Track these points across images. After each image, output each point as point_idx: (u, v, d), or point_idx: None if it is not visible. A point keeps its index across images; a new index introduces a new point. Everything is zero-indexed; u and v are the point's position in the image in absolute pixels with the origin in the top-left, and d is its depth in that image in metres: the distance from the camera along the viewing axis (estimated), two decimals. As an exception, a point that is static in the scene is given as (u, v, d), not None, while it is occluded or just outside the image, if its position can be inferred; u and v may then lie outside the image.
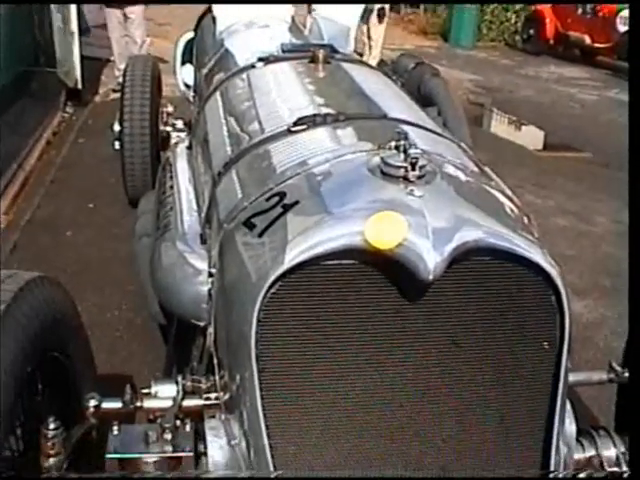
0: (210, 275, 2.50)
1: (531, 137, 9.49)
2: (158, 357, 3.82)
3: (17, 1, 2.95)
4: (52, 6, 9.36)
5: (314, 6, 5.61)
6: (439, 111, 4.34)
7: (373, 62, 7.11)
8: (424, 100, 4.15)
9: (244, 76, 3.65)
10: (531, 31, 18.26)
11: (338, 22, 5.21)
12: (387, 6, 10.05)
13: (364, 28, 9.94)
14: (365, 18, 9.70)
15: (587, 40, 16.75)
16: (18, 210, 6.23)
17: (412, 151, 2.05)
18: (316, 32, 4.94)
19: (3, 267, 4.81)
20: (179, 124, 5.45)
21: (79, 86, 9.39)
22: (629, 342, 2.70)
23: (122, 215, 5.73)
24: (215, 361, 2.42)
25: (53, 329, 2.31)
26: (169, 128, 5.50)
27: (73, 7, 9.21)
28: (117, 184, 5.96)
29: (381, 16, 9.91)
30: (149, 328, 4.14)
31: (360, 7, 8.13)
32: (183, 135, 5.09)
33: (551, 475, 2.13)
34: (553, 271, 2.03)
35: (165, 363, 3.30)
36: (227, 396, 2.25)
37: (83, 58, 9.53)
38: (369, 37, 10.14)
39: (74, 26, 9.25)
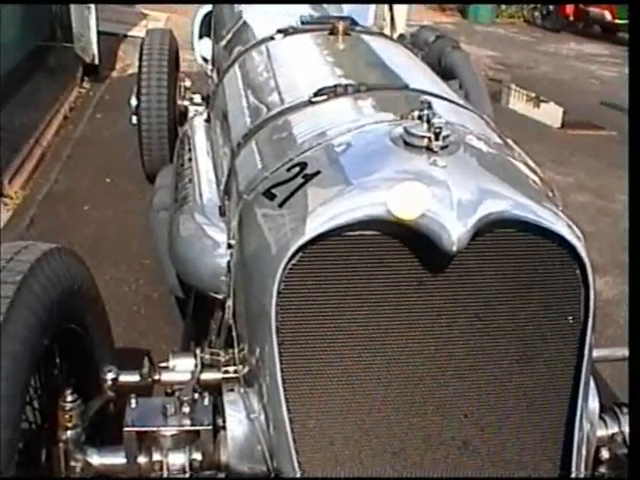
0: (229, 247, 2.48)
1: (550, 114, 9.41)
2: (176, 331, 3.81)
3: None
4: (69, -19, 9.33)
5: None
6: (460, 84, 4.29)
7: (394, 36, 7.04)
8: (445, 73, 4.10)
9: (263, 48, 3.61)
10: (550, 7, 18.11)
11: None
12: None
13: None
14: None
15: (608, 16, 16.61)
16: (35, 185, 6.23)
17: (436, 121, 2.02)
18: (335, 5, 4.89)
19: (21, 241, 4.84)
20: (197, 98, 5.43)
21: (96, 61, 9.36)
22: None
23: (139, 189, 5.71)
24: (234, 334, 2.40)
25: (70, 301, 2.28)
26: (187, 102, 5.48)
27: (90, -18, 9.19)
28: (134, 159, 5.94)
29: (404, -11, 9.80)
30: (166, 302, 4.13)
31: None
32: (201, 109, 5.06)
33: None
34: (578, 244, 2.00)
35: (183, 337, 3.28)
36: (246, 369, 2.23)
37: (100, 33, 9.50)
38: (391, 10, 10.02)
39: (92, 0, 9.23)
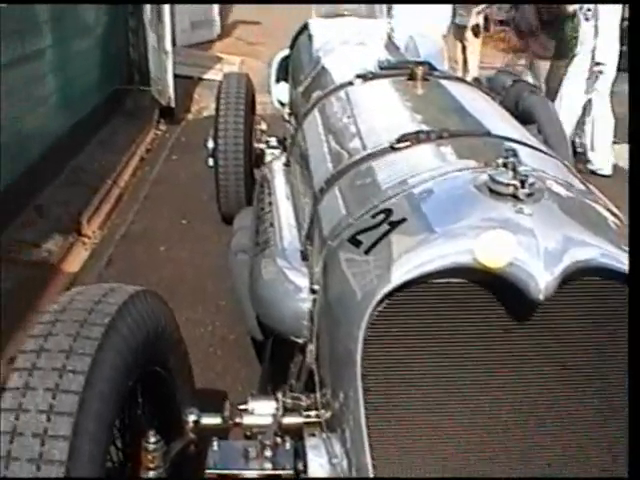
0: (312, 292, 2.49)
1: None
2: (252, 373, 3.83)
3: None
4: (147, 25, 9.51)
5: (395, 22, 5.61)
6: (539, 129, 4.27)
7: (468, 79, 7.04)
8: (523, 117, 4.08)
9: (342, 93, 3.64)
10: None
11: (432, 39, 5.19)
12: (482, 21, 9.93)
13: (459, 45, 9.84)
14: (459, 34, 9.61)
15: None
16: (112, 225, 6.32)
17: (521, 168, 2.02)
18: (412, 49, 4.91)
19: (100, 281, 4.91)
20: (273, 141, 5.48)
21: (172, 104, 9.50)
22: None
23: (215, 231, 5.76)
24: (317, 379, 2.41)
25: (155, 343, 2.31)
26: (263, 145, 5.53)
27: (167, 27, 9.34)
28: (210, 201, 6.00)
29: (477, 32, 9.79)
30: (242, 344, 4.15)
31: (445, 23, 8.12)
32: (277, 152, 5.11)
33: None
34: None
35: (260, 379, 3.29)
36: (329, 414, 2.24)
37: (176, 77, 9.65)
38: (464, 54, 10.02)
39: (168, 45, 9.37)
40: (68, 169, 6.94)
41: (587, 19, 7.55)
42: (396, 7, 6.14)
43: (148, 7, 9.41)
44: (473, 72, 9.81)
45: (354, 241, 2.24)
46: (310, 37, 4.98)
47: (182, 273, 5.24)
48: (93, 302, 2.16)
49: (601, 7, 7.41)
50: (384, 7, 5.92)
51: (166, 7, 9.25)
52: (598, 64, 7.59)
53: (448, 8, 8.37)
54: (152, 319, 2.31)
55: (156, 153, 8.32)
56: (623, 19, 7.54)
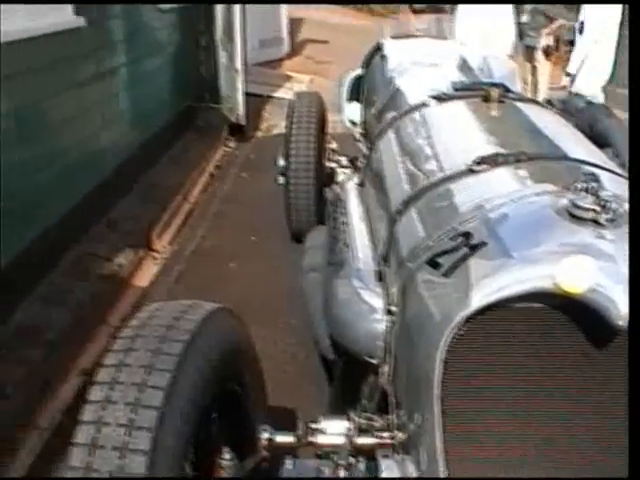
0: (389, 313, 2.49)
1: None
2: (321, 392, 3.83)
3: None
4: (219, 44, 9.61)
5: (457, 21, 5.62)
6: (615, 152, 4.23)
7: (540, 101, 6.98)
8: (598, 140, 4.04)
9: (417, 114, 3.64)
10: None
11: (505, 59, 5.17)
12: (552, 42, 9.85)
13: (528, 66, 9.78)
14: (528, 56, 9.55)
15: None
16: (182, 241, 6.39)
17: (602, 193, 2.01)
18: (485, 70, 4.90)
19: (169, 296, 4.96)
20: (343, 160, 5.50)
21: (242, 122, 9.58)
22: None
23: (284, 249, 5.79)
24: (391, 400, 2.41)
25: (232, 360, 2.33)
26: (333, 164, 5.55)
27: (238, 45, 9.45)
28: (279, 218, 6.02)
29: (548, 53, 9.71)
30: (312, 362, 4.16)
31: (509, 42, 8.07)
32: (348, 172, 5.13)
33: None
34: None
35: (331, 398, 3.30)
36: (404, 436, 2.24)
37: (246, 95, 9.73)
38: (534, 75, 9.95)
39: (238, 64, 9.48)
40: (139, 184, 7.04)
41: None
42: (459, 7, 6.13)
43: (220, 25, 9.53)
44: (543, 93, 9.73)
45: (433, 263, 2.24)
46: (384, 57, 4.99)
47: (252, 290, 5.27)
48: (173, 318, 2.18)
49: None
50: (453, 28, 5.92)
51: (237, 26, 9.37)
52: None
53: (512, 25, 8.32)
54: (230, 336, 2.34)
55: (226, 170, 8.39)
56: None
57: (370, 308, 2.62)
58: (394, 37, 5.50)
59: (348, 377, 3.09)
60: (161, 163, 7.74)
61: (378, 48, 5.35)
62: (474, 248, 2.13)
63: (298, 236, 5.51)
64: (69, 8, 5.75)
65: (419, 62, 4.70)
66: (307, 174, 5.46)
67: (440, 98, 3.71)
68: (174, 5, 8.70)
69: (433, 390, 1.96)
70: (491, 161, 2.66)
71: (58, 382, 4.19)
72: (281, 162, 5.65)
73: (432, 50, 4.99)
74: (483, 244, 2.14)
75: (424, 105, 3.69)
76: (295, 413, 3.69)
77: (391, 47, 5.11)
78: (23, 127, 4.83)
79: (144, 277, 5.65)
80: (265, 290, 5.26)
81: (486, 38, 5.88)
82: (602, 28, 7.17)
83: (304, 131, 5.57)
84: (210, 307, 2.33)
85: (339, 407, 3.04)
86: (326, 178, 5.59)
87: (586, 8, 7.18)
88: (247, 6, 9.80)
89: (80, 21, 5.81)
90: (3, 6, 4.76)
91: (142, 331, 2.14)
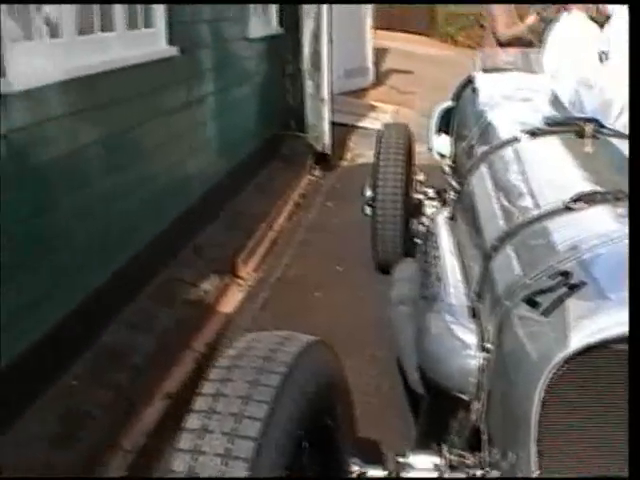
0: (484, 350, 2.48)
1: None
2: (405, 425, 3.82)
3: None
4: (305, 73, 9.72)
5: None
6: None
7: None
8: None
9: (510, 149, 3.62)
10: None
11: (601, 93, 5.11)
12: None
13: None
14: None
15: None
16: (268, 268, 6.44)
17: None
18: (577, 104, 4.85)
19: (255, 324, 5.00)
20: (430, 192, 5.49)
21: (327, 151, 9.64)
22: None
23: (369, 280, 5.80)
24: (484, 437, 2.39)
25: (326, 393, 2.34)
26: (421, 196, 5.55)
27: (325, 75, 9.54)
28: (364, 248, 6.03)
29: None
30: (397, 395, 4.15)
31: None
32: (436, 203, 5.12)
33: None
34: None
35: (418, 433, 3.28)
36: (497, 474, 2.22)
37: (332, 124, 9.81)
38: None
39: (325, 93, 9.57)
40: (225, 211, 7.13)
41: None
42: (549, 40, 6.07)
43: (306, 55, 9.63)
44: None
45: (531, 302, 2.22)
46: (475, 90, 4.98)
47: (337, 320, 5.27)
48: (269, 350, 2.20)
49: None
50: (541, 61, 5.88)
51: (325, 55, 9.44)
52: None
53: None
54: (325, 369, 2.35)
55: (311, 199, 8.44)
56: None
57: (463, 344, 2.61)
58: (485, 70, 5.48)
59: (435, 412, 3.08)
60: (247, 191, 7.84)
61: (469, 81, 5.35)
62: (573, 288, 2.12)
63: (383, 267, 5.52)
64: (163, 38, 5.88)
65: (510, 96, 4.68)
66: (394, 205, 5.48)
67: (533, 133, 3.69)
68: (261, 34, 8.81)
69: (530, 429, 1.95)
70: (589, 199, 2.63)
71: (143, 405, 4.25)
72: (368, 192, 5.67)
73: (523, 84, 4.96)
74: (583, 284, 2.12)
75: (516, 140, 3.67)
76: (380, 445, 3.70)
77: (482, 80, 5.09)
78: (115, 154, 4.94)
79: (229, 303, 5.71)
80: (350, 320, 5.26)
81: (576, 67, 5.82)
82: None
83: (392, 162, 5.59)
84: (306, 339, 2.34)
85: (425, 441, 3.03)
86: (413, 209, 5.59)
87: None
88: (333, 35, 9.88)
89: (173, 50, 5.93)
90: (99, 37, 4.89)
91: (239, 361, 2.16)
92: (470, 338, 2.60)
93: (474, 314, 2.71)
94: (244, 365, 2.15)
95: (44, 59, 4.16)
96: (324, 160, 9.64)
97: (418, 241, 4.71)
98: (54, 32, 4.38)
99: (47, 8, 4.30)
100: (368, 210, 5.70)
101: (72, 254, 4.39)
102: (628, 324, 1.85)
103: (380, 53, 16.36)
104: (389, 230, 5.51)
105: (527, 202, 2.96)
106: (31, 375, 3.90)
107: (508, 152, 3.61)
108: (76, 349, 4.36)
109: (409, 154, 5.87)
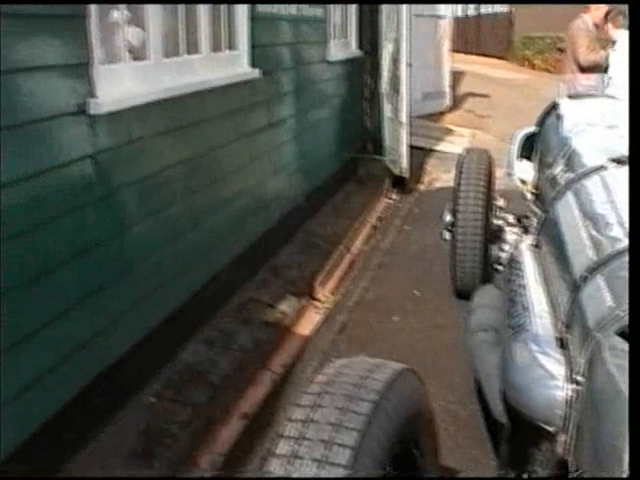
0: (573, 381, 2.46)
1: None
2: (483, 454, 3.80)
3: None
4: (384, 96, 9.74)
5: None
6: None
7: None
8: None
9: (597, 177, 3.59)
10: None
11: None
12: None
13: None
14: None
15: None
16: (345, 291, 6.44)
17: None
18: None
19: (333, 347, 5.01)
20: (510, 219, 5.45)
21: (405, 174, 9.64)
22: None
23: (448, 305, 5.77)
24: (572, 470, 2.37)
25: (413, 422, 2.34)
26: (500, 222, 5.51)
27: (404, 98, 9.54)
28: (442, 273, 6.03)
29: None
30: (474, 423, 4.13)
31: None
32: (516, 230, 5.08)
33: None
34: None
35: (499, 463, 3.25)
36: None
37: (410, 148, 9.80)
38: None
39: (404, 117, 9.56)
40: (302, 232, 7.16)
41: None
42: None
43: (385, 78, 9.66)
44: None
45: (624, 335, 2.20)
46: (559, 117, 4.95)
47: (415, 345, 5.26)
48: (359, 377, 2.21)
49: None
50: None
51: (404, 78, 9.45)
52: None
53: None
54: (412, 397, 2.35)
55: (388, 222, 8.43)
56: None
57: (549, 375, 2.59)
58: (570, 96, 5.44)
59: (517, 442, 3.05)
60: (324, 213, 7.86)
61: (553, 107, 5.31)
62: (667, 321, 2.09)
63: (462, 292, 5.49)
64: (246, 60, 5.95)
65: (596, 123, 4.64)
66: (474, 231, 5.45)
67: (619, 161, 3.65)
68: (341, 57, 8.86)
69: (622, 466, 1.92)
70: (680, 230, 2.60)
71: (220, 424, 4.28)
72: (448, 217, 5.65)
73: (608, 110, 4.92)
74: None
75: (603, 168, 3.64)
76: (459, 474, 3.68)
77: (567, 107, 5.06)
78: (197, 175, 5.01)
79: (307, 326, 5.72)
80: (428, 346, 5.24)
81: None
82: None
83: (473, 187, 5.56)
84: (396, 367, 2.35)
85: (506, 471, 3.01)
86: (492, 235, 5.55)
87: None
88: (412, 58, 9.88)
89: (255, 73, 5.99)
90: (184, 59, 4.97)
91: (329, 388, 2.18)
92: (557, 369, 2.58)
93: (562, 345, 2.68)
94: (334, 392, 2.16)
95: (131, 81, 4.24)
96: (401, 183, 9.63)
97: (498, 267, 4.69)
98: (141, 55, 4.47)
99: (132, 30, 4.39)
100: (447, 235, 5.68)
101: (156, 272, 4.45)
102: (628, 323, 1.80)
103: (456, 76, 16.32)
104: (469, 255, 5.48)
105: (616, 232, 2.94)
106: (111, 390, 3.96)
107: (595, 180, 3.58)
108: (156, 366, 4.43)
109: (490, 179, 5.84)
